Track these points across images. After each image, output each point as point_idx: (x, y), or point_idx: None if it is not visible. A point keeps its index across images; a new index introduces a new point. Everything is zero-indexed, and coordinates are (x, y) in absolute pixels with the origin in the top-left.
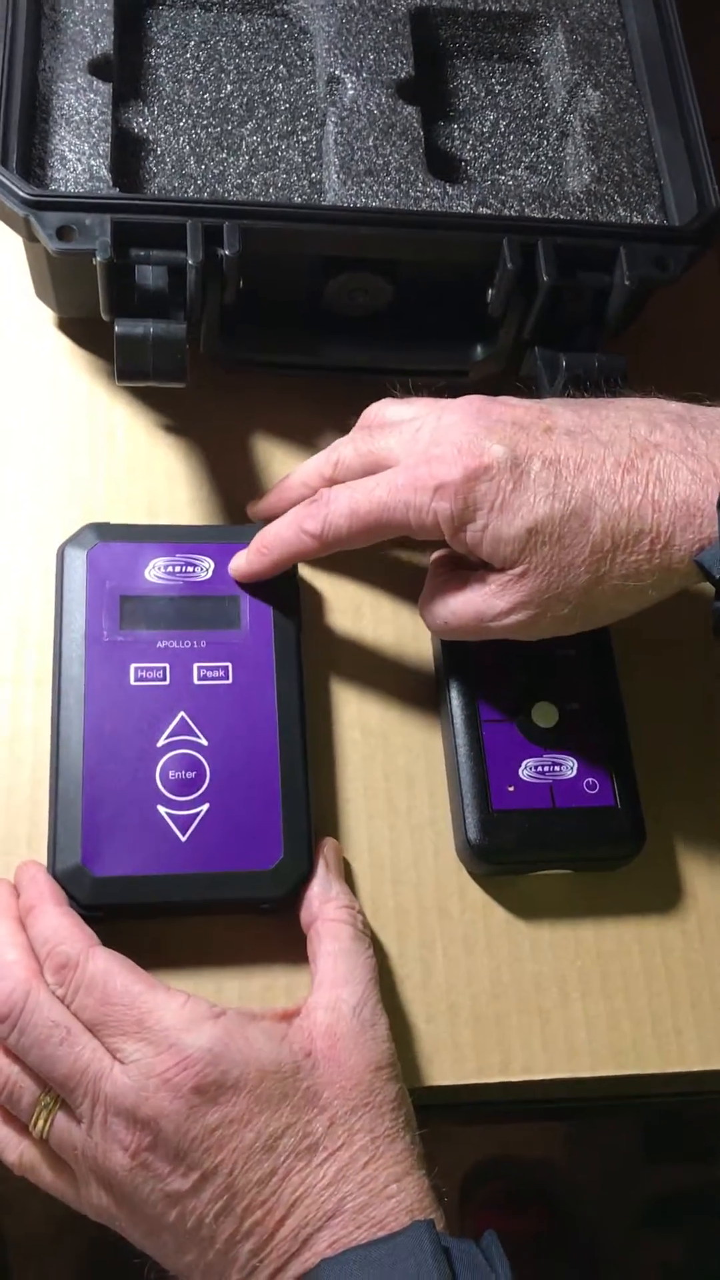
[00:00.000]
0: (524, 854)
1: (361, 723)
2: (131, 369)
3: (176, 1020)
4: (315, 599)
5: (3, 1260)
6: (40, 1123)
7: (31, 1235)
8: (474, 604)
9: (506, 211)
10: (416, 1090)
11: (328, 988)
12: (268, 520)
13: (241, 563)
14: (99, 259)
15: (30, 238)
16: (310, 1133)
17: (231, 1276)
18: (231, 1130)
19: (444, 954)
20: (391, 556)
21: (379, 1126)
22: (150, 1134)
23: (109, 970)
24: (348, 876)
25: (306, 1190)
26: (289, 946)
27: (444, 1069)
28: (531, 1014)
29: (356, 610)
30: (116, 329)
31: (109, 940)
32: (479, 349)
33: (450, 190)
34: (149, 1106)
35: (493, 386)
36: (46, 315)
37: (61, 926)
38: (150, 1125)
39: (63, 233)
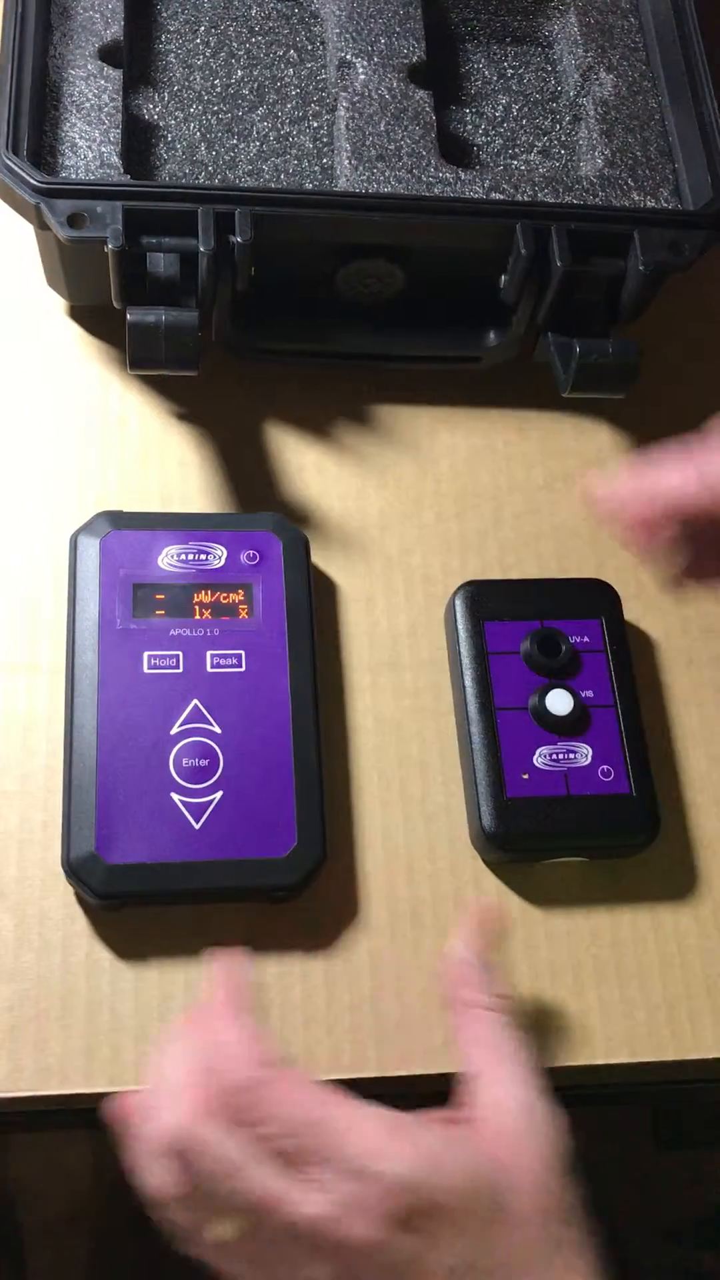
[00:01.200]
0: (538, 841)
1: (375, 710)
2: (143, 358)
3: (374, 1144)
4: (328, 587)
5: (19, 1245)
6: (217, 1231)
7: (46, 1220)
8: None
9: (519, 196)
10: (430, 1077)
11: (489, 1086)
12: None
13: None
14: (110, 247)
15: (41, 226)
16: (506, 1250)
17: None
18: (430, 1255)
19: None
20: (405, 543)
21: (567, 1235)
22: (340, 1265)
23: (294, 1094)
24: (362, 864)
25: None
26: (303, 933)
27: (458, 1057)
28: (546, 1001)
29: (369, 598)
30: (128, 317)
31: (122, 926)
32: (492, 335)
33: (463, 175)
34: (344, 1233)
35: (505, 373)
36: (58, 303)
37: (244, 1044)
38: (340, 1255)
39: (74, 220)
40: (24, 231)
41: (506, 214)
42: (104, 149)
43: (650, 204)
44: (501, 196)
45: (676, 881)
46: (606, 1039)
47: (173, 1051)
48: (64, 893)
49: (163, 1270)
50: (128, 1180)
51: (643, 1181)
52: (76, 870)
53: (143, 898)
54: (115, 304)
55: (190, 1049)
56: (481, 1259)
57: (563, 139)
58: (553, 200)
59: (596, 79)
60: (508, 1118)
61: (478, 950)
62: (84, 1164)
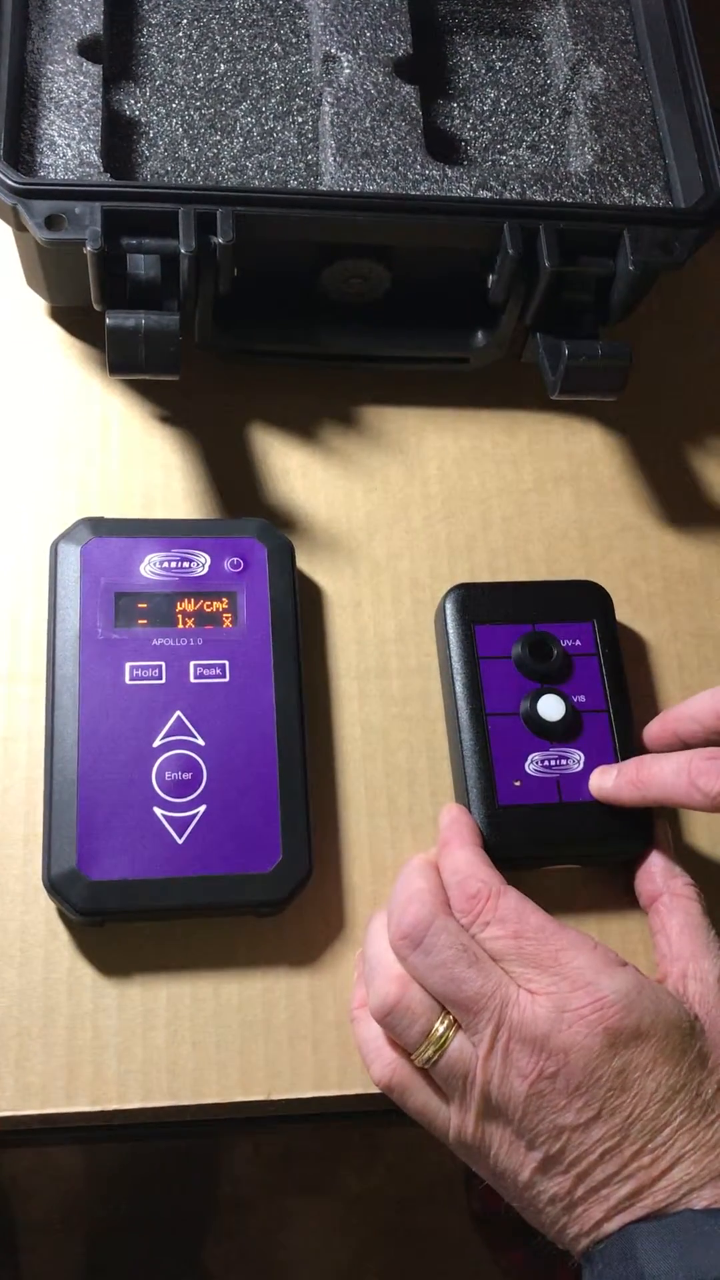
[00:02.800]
0: (531, 850)
1: (362, 719)
2: (123, 362)
3: (590, 961)
4: (314, 593)
5: (13, 1242)
6: (430, 1051)
7: (39, 1219)
8: None
9: (507, 194)
10: None
11: (687, 959)
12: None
13: (607, 784)
14: (89, 249)
15: (19, 227)
16: (702, 1093)
17: (594, 1212)
18: (635, 1076)
19: None
20: (393, 547)
21: None
22: (555, 1065)
23: (521, 905)
24: (349, 877)
25: (695, 1146)
26: (289, 948)
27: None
28: None
29: (356, 605)
30: (108, 321)
31: (105, 941)
32: (479, 336)
33: (450, 172)
34: (560, 1038)
35: (493, 373)
36: (38, 304)
37: (474, 861)
38: (558, 1056)
39: (52, 222)
40: (2, 231)
41: (494, 213)
42: (83, 147)
43: (641, 200)
44: (489, 194)
45: None
46: None
47: (413, 864)
48: (46, 908)
49: (156, 1270)
50: (119, 1181)
51: None
52: (58, 886)
53: (125, 914)
54: (95, 306)
55: (429, 864)
56: (683, 1094)
57: (552, 134)
58: (542, 198)
59: (586, 72)
60: (708, 990)
61: (666, 847)
62: (75, 1164)
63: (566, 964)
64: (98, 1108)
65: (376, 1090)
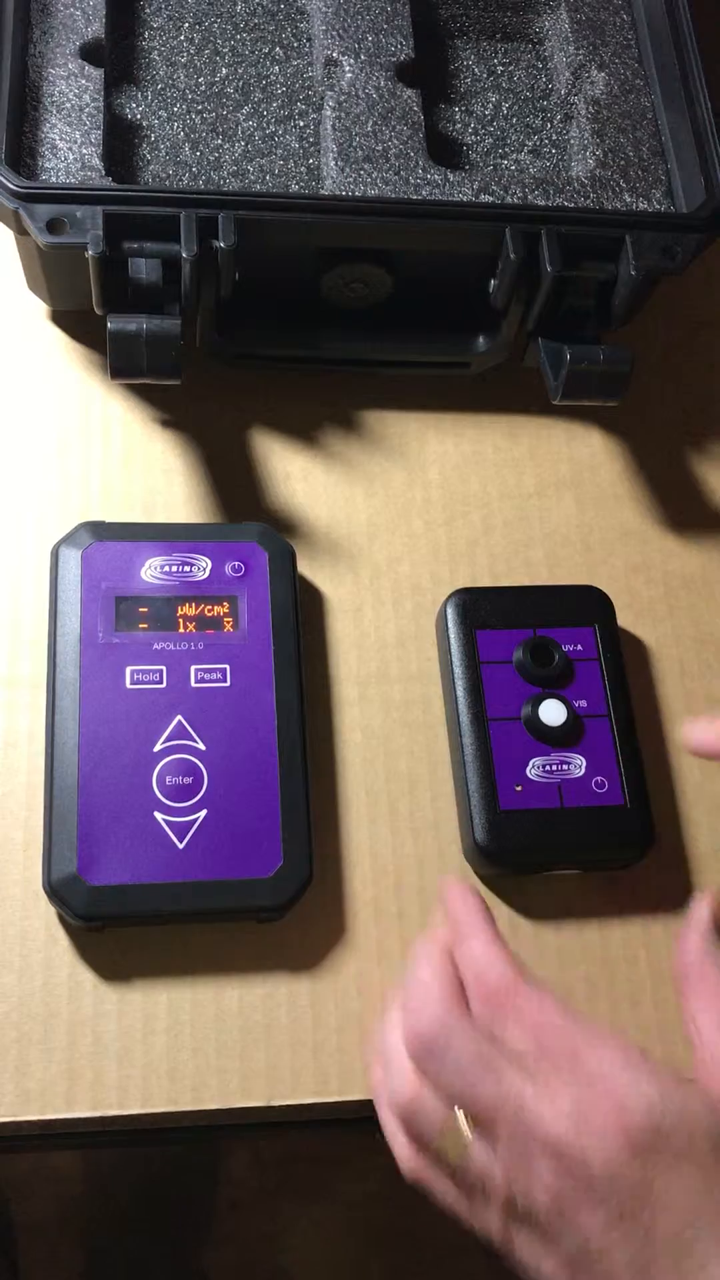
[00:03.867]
0: (533, 855)
1: (363, 724)
2: (125, 367)
3: (613, 1060)
4: (315, 598)
5: (12, 1243)
6: (451, 1155)
7: (40, 1219)
8: None
9: (509, 198)
10: None
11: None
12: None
13: (710, 735)
14: (91, 253)
15: (21, 231)
16: None
17: None
18: (659, 1185)
19: None
20: (394, 551)
21: None
22: (575, 1170)
23: (543, 1001)
24: (349, 882)
25: None
26: (290, 954)
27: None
28: None
29: (357, 609)
30: (109, 326)
31: (105, 946)
32: (481, 341)
33: (451, 177)
34: (580, 1142)
35: (494, 378)
36: (39, 308)
37: (492, 954)
38: (578, 1162)
39: (53, 226)
40: (3, 235)
41: (496, 217)
42: (85, 150)
43: (643, 205)
44: (491, 198)
45: (671, 895)
46: None
47: (426, 954)
48: (46, 912)
49: (155, 1273)
50: (117, 1184)
51: None
52: (58, 892)
53: (126, 920)
54: (96, 310)
55: (444, 955)
56: (708, 1206)
57: (554, 138)
58: (543, 202)
59: (588, 77)
60: None
61: (710, 923)
62: (72, 1166)
63: (587, 1062)
64: (97, 1113)
65: None
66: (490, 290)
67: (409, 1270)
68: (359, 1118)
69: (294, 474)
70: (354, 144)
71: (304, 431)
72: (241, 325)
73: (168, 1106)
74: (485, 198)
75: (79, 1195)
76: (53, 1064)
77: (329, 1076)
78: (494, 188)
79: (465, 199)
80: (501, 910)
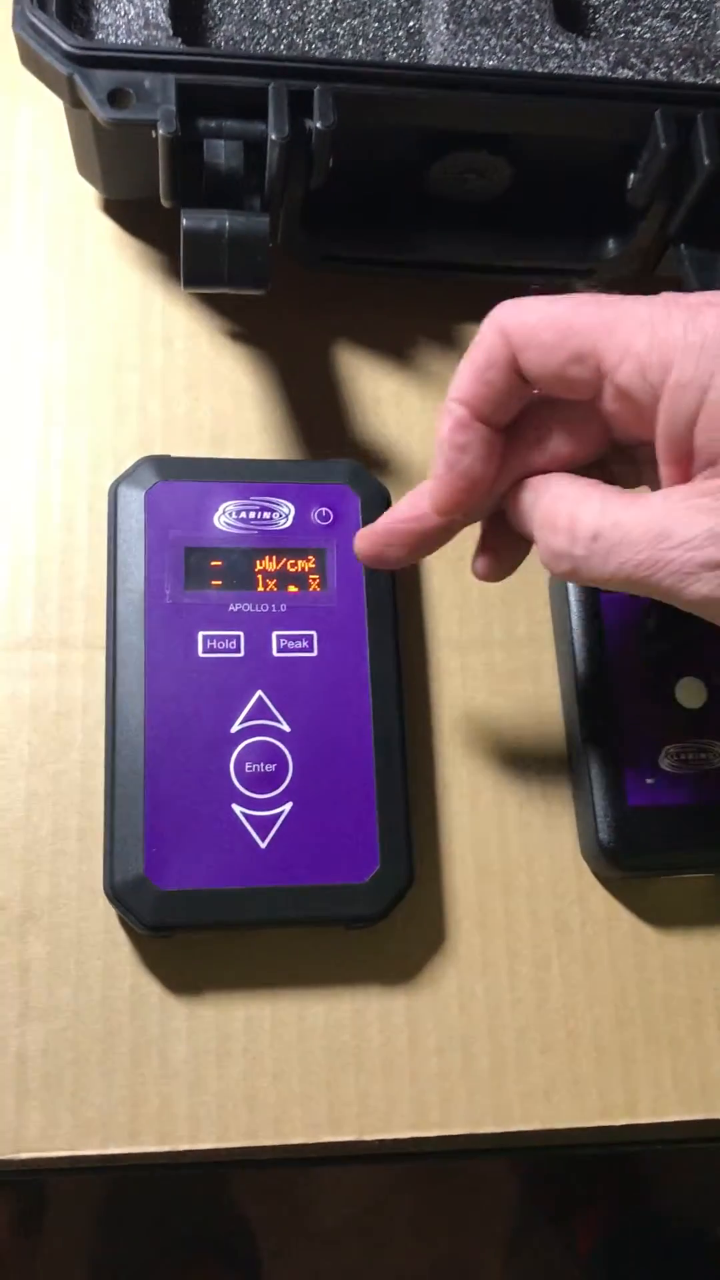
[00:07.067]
0: (664, 856)
1: (464, 699)
2: (204, 274)
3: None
4: None
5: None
6: None
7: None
8: (653, 522)
9: (652, 73)
10: (531, 1133)
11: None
12: None
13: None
14: (162, 132)
15: (75, 103)
16: None
17: None
18: None
19: (561, 973)
20: None
21: None
22: None
23: None
24: (450, 884)
25: None
26: (382, 964)
27: (563, 1108)
28: (662, 1044)
29: (458, 560)
30: (184, 223)
31: (173, 953)
32: (610, 244)
33: (583, 46)
34: None
35: (622, 288)
36: (90, 195)
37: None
38: None
39: (116, 98)
40: (51, 105)
41: (645, 97)
42: (149, 4)
43: None
44: (630, 73)
45: None
46: None
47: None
48: (105, 912)
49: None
50: None
51: None
52: (122, 897)
53: (199, 928)
54: (165, 203)
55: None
56: None
57: (696, 1)
58: (692, 79)
59: None
60: None
61: None
62: None
63: None
64: (166, 1148)
65: (483, 1132)
66: (629, 185)
67: (440, 1201)
68: (463, 1153)
69: (385, 399)
70: (467, 4)
71: (399, 349)
72: (331, 222)
73: (246, 1141)
74: (623, 71)
75: (90, 1165)
76: (114, 1090)
77: (428, 1106)
78: (634, 60)
79: (600, 73)
80: (621, 920)
